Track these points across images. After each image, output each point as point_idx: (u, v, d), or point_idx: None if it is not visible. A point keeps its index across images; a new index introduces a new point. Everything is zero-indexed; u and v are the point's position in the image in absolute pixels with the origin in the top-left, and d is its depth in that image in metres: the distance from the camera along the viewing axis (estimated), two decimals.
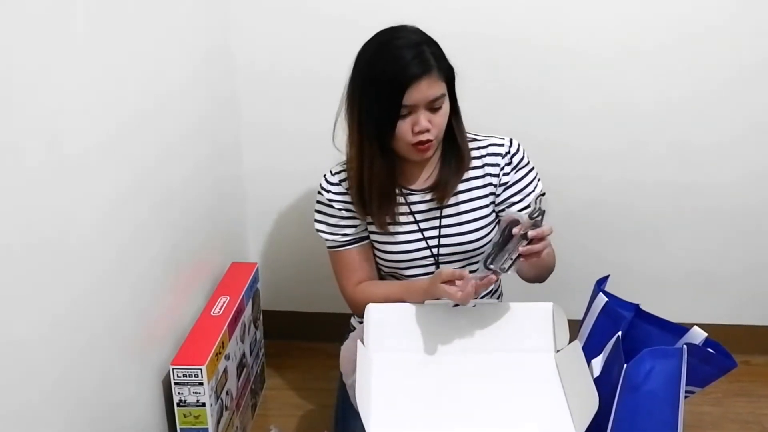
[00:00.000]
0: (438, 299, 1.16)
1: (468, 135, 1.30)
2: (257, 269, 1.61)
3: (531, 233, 1.07)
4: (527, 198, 1.29)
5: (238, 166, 1.76)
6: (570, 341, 1.14)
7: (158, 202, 1.23)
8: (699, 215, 1.77)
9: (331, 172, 1.32)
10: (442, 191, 1.27)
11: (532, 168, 1.31)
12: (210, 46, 1.53)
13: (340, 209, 1.30)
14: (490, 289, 1.40)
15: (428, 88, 1.15)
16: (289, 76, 1.67)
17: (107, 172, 1.04)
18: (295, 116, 1.71)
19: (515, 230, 1.08)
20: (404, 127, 1.18)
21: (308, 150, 1.61)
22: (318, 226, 1.33)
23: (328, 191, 1.30)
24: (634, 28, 1.59)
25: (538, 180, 1.31)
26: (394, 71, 1.15)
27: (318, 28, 1.63)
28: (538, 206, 1.08)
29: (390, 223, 1.28)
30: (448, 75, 1.19)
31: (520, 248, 1.08)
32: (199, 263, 1.46)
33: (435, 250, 1.30)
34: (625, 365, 1.09)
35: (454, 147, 1.26)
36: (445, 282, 1.13)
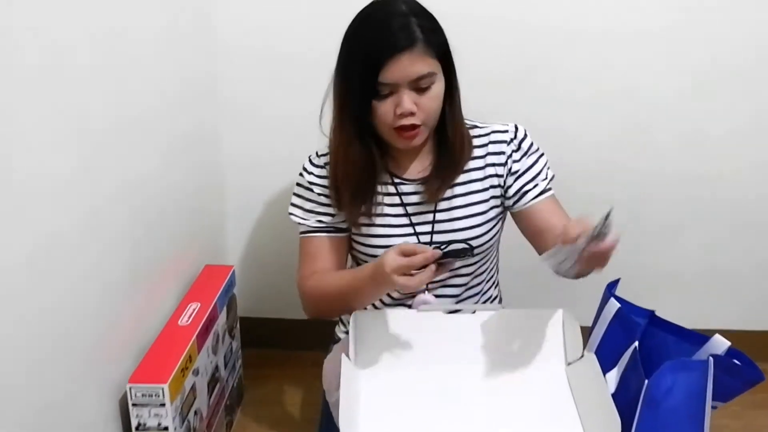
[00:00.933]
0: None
1: (467, 122, 1.17)
2: (233, 272, 1.48)
3: (590, 247, 0.91)
4: (540, 184, 1.17)
5: (216, 154, 1.62)
6: (584, 353, 1.01)
7: (116, 193, 1.09)
8: (715, 208, 1.65)
9: (317, 153, 1.20)
10: (433, 188, 1.15)
11: (542, 153, 1.20)
12: (189, 23, 1.41)
13: (319, 194, 1.18)
14: (489, 294, 1.27)
15: (411, 63, 1.02)
16: (274, 56, 1.54)
17: (56, 153, 0.91)
18: (281, 99, 1.58)
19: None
20: (384, 108, 1.05)
21: (296, 136, 1.47)
22: (292, 209, 1.21)
23: (309, 173, 1.19)
24: (641, 8, 1.48)
25: (550, 170, 1.20)
26: (372, 43, 1.03)
27: (306, 4, 1.50)
28: (605, 220, 0.91)
29: (371, 216, 1.15)
30: (440, 51, 1.06)
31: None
32: (167, 265, 1.32)
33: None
34: (646, 381, 0.97)
35: (450, 137, 1.13)
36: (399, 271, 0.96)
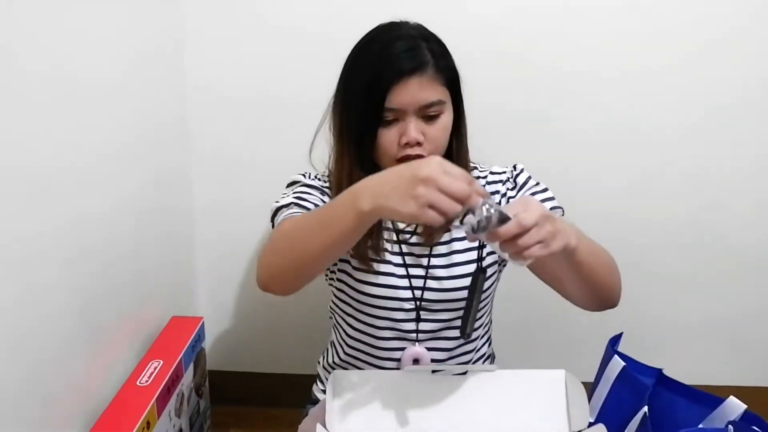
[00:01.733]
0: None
1: (468, 164, 1.09)
2: (202, 324, 1.36)
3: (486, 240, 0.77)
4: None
5: (187, 200, 1.53)
6: (591, 423, 0.90)
7: (72, 237, 0.99)
8: (723, 255, 1.57)
9: (315, 176, 1.08)
10: (430, 230, 1.05)
11: (545, 188, 1.08)
12: (159, 63, 1.34)
13: (314, 197, 1.03)
14: (483, 352, 1.16)
15: (420, 89, 0.94)
16: (246, 101, 1.47)
17: (12, 194, 0.83)
18: (254, 145, 1.51)
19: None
20: (389, 136, 0.96)
21: (270, 183, 1.38)
22: (276, 203, 1.03)
23: (314, 178, 1.07)
24: (640, 47, 1.44)
25: (559, 206, 1.07)
26: (379, 65, 0.94)
27: (279, 44, 1.43)
28: (479, 216, 0.74)
29: (373, 259, 1.05)
30: (450, 79, 0.98)
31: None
32: (128, 317, 1.21)
33: (418, 293, 1.06)
34: None
35: None
36: None
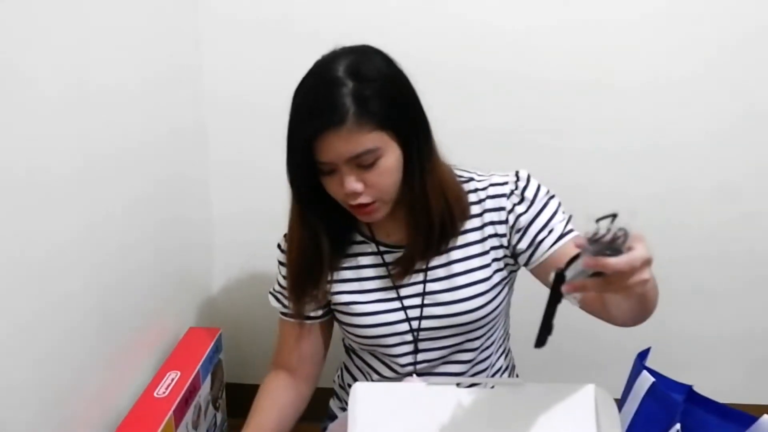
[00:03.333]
0: None
1: (464, 174, 1.03)
2: (220, 335, 1.34)
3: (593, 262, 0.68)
4: (557, 227, 0.98)
5: (205, 209, 1.52)
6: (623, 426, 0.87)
7: (87, 245, 0.97)
8: (751, 267, 1.53)
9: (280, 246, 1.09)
10: (403, 266, 1.00)
11: (552, 196, 1.01)
12: (177, 69, 1.33)
13: (284, 276, 1.07)
14: (499, 366, 1.13)
15: (341, 142, 0.87)
16: (264, 108, 1.45)
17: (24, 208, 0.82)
18: (273, 152, 1.47)
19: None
20: (333, 185, 0.92)
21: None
22: (271, 289, 1.12)
23: (282, 251, 1.07)
24: (663, 57, 1.41)
25: (562, 208, 1.02)
26: (300, 119, 0.90)
27: (298, 51, 1.41)
28: (605, 229, 0.68)
29: (341, 296, 1.04)
30: (385, 121, 0.89)
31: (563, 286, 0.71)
32: (146, 329, 1.20)
33: (415, 324, 1.02)
34: None
35: (422, 210, 0.96)
36: None
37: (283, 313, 1.10)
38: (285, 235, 1.06)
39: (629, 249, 0.68)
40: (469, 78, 1.40)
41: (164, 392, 1.11)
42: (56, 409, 0.91)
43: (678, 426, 0.92)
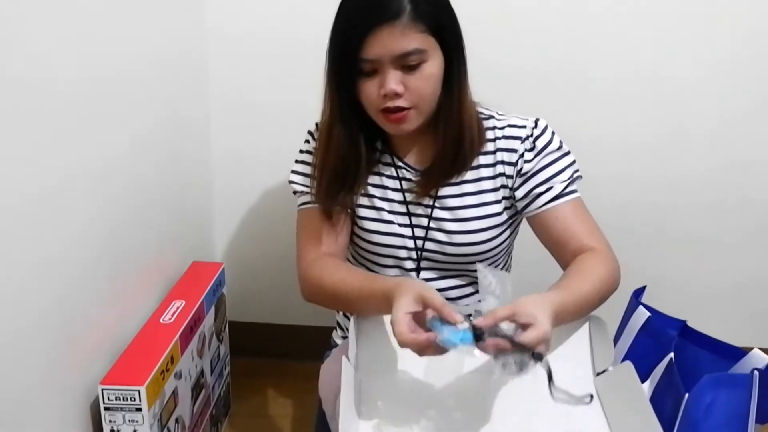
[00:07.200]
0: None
1: (484, 111, 1.05)
2: (223, 270, 1.36)
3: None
4: (556, 186, 1.01)
5: (205, 148, 1.51)
6: (615, 361, 0.90)
7: (93, 182, 0.99)
8: (749, 216, 1.55)
9: (312, 136, 1.09)
10: (425, 183, 1.03)
11: (566, 153, 1.03)
12: (178, 6, 1.31)
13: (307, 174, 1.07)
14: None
15: (393, 38, 0.90)
16: (265, 46, 1.45)
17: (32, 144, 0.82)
18: (273, 90, 1.48)
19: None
20: (370, 88, 0.94)
21: (290, 129, 1.37)
22: (292, 176, 1.08)
23: (316, 139, 1.07)
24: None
25: (576, 171, 1.03)
26: (354, 15, 0.92)
27: None
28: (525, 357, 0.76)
29: (366, 198, 1.05)
30: (435, 25, 0.93)
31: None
32: (150, 260, 1.21)
33: (420, 243, 1.05)
34: (686, 395, 0.86)
35: (454, 127, 0.99)
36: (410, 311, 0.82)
37: (304, 202, 1.08)
38: (310, 133, 1.08)
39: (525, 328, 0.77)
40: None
41: (170, 319, 1.13)
42: (64, 335, 0.93)
43: (671, 355, 0.94)
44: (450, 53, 0.95)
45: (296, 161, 1.09)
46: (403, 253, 1.06)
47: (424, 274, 1.07)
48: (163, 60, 1.24)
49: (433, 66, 0.94)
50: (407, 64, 0.92)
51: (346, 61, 0.93)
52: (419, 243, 1.05)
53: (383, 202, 1.05)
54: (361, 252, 1.10)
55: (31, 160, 0.84)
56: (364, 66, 0.92)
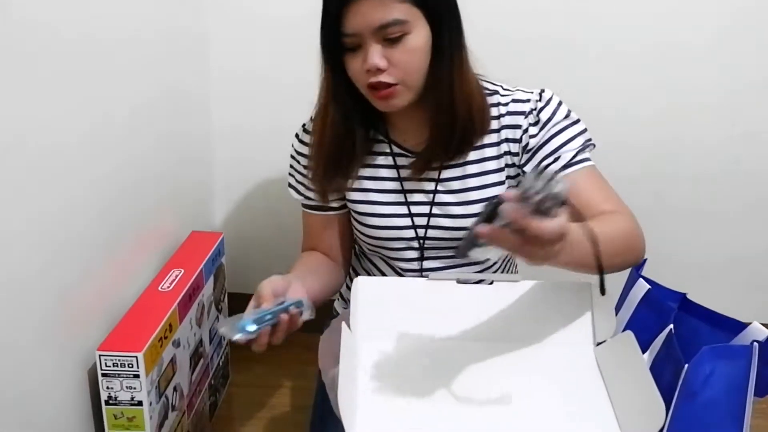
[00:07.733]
0: None
1: (490, 86, 1.01)
2: (222, 239, 1.36)
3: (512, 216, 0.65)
4: (565, 155, 0.98)
5: (205, 120, 1.51)
6: (616, 331, 0.89)
7: (99, 153, 0.99)
8: (750, 189, 1.54)
9: (311, 117, 1.06)
10: (415, 167, 1.00)
11: (575, 122, 1.00)
12: None
13: (305, 166, 1.06)
14: (501, 258, 1.13)
15: (371, 9, 0.86)
16: (266, 15, 1.43)
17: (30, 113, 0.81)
18: (274, 62, 1.46)
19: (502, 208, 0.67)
20: (355, 63, 0.91)
21: (289, 102, 1.36)
22: (289, 179, 1.12)
23: (300, 141, 1.07)
24: None
25: (588, 140, 1.00)
26: None
27: None
28: (541, 183, 0.64)
29: (360, 185, 1.05)
30: None
31: (478, 227, 0.67)
32: (148, 227, 1.21)
33: (422, 232, 1.04)
34: (686, 366, 0.86)
35: (447, 104, 0.95)
36: None
37: (305, 205, 1.11)
38: (303, 126, 1.08)
39: (554, 216, 0.66)
40: None
41: (169, 287, 1.13)
42: (62, 300, 0.93)
43: (671, 326, 0.94)
44: (439, 24, 0.91)
45: (289, 164, 1.11)
46: (401, 244, 1.06)
47: (427, 264, 1.06)
48: (164, 31, 1.23)
49: (418, 38, 0.90)
50: (388, 36, 0.88)
51: (331, 36, 0.90)
52: (420, 231, 1.04)
53: (374, 193, 1.05)
54: (366, 241, 1.09)
55: (33, 125, 0.83)
56: (346, 40, 0.90)
